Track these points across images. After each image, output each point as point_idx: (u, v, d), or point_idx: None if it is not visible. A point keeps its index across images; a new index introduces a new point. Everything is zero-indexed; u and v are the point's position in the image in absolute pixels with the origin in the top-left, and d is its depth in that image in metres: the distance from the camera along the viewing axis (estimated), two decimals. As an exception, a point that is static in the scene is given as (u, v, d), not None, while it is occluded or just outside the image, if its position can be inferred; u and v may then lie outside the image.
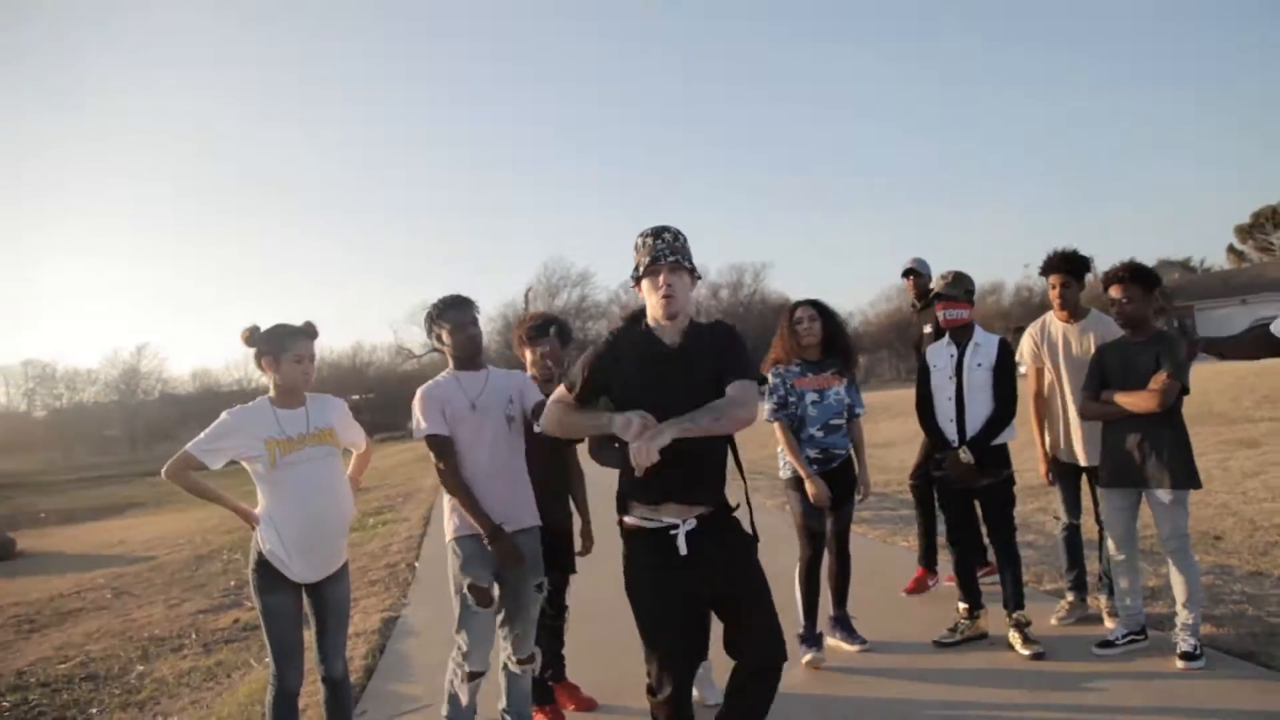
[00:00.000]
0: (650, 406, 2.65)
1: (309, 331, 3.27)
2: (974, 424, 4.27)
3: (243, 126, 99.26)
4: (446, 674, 3.44)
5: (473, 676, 3.33)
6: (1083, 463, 4.39)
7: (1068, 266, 4.44)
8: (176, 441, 3.25)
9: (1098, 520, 4.36)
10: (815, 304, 4.42)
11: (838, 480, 4.34)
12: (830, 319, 4.40)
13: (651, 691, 2.80)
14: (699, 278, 2.84)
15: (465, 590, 3.29)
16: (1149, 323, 4.09)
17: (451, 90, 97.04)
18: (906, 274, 5.67)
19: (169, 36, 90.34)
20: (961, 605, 4.44)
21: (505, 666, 3.51)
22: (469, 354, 3.40)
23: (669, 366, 2.75)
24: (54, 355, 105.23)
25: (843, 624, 4.50)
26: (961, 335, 4.38)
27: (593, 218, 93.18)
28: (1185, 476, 3.90)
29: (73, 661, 6.39)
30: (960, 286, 4.35)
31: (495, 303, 55.78)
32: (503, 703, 3.54)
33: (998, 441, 4.27)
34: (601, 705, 4.05)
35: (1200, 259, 56.57)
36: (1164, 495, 3.92)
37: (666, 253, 2.72)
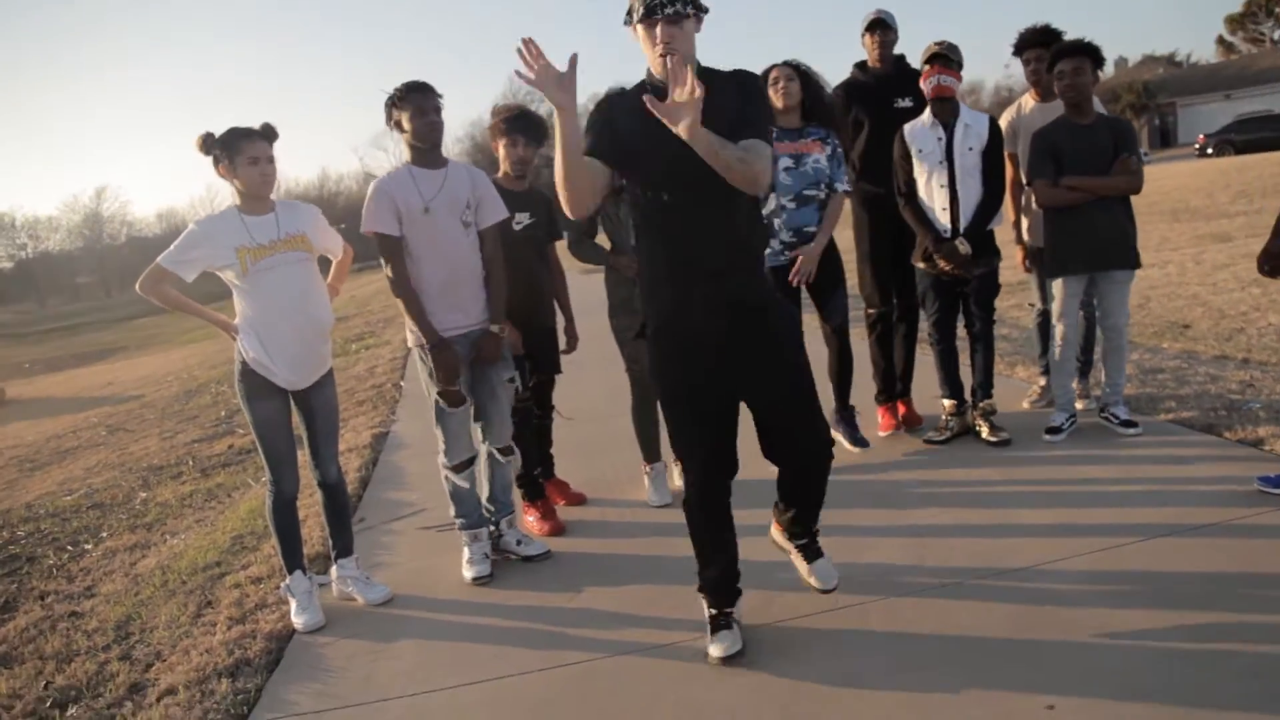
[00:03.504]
0: (652, 157, 2.42)
1: (266, 133, 3.12)
2: (967, 211, 4.07)
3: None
4: (441, 474, 3.55)
5: (459, 467, 3.44)
6: None
7: (1041, 40, 4.22)
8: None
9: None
10: (793, 64, 3.96)
11: (821, 269, 4.01)
12: (810, 81, 3.97)
13: (686, 500, 2.67)
14: (705, 12, 2.45)
15: (436, 398, 3.35)
16: (1092, 103, 3.94)
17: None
18: (872, 27, 4.42)
19: None
20: (947, 402, 4.33)
21: (488, 457, 3.57)
22: (429, 143, 3.26)
23: None
24: (9, 206, 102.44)
25: (846, 421, 4.30)
26: (946, 114, 4.05)
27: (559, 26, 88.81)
28: (1137, 256, 3.99)
29: (77, 494, 6.55)
30: (957, 53, 4.00)
31: (460, 121, 54.53)
32: (485, 492, 3.60)
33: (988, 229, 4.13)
34: (591, 499, 4.21)
35: (1187, 53, 54.95)
36: (1121, 276, 3.98)
37: (665, 2, 2.35)
